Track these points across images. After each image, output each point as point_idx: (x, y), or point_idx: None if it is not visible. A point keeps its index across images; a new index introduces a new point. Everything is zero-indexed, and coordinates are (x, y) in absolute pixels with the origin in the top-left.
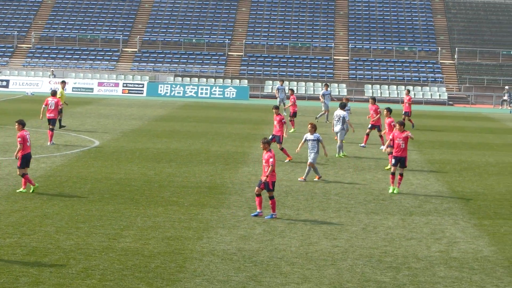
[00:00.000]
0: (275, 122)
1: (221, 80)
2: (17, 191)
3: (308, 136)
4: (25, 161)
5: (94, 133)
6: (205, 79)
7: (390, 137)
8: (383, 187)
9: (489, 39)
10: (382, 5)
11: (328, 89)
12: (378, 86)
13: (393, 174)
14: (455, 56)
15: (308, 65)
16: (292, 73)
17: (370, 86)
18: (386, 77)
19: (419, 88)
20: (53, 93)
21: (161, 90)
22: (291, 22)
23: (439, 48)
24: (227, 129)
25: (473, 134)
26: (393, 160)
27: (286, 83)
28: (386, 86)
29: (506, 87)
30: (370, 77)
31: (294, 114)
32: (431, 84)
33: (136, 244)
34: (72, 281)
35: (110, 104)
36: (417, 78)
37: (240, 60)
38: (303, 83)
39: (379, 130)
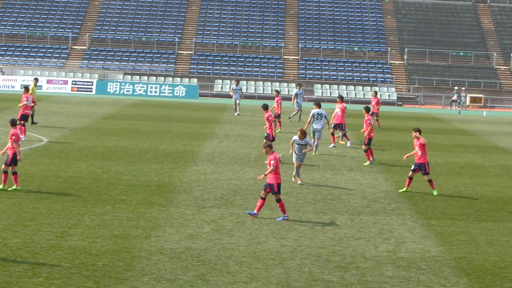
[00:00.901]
0: (266, 121)
1: (171, 78)
2: (9, 189)
3: (297, 140)
4: (15, 159)
5: (43, 131)
6: (154, 78)
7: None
8: (331, 186)
9: (438, 40)
10: (332, 5)
11: (301, 89)
12: (327, 86)
13: (410, 178)
14: (405, 57)
15: (258, 64)
16: (242, 72)
17: (319, 86)
18: (335, 77)
19: (369, 88)
20: (27, 89)
21: (110, 88)
22: (241, 21)
23: (389, 48)
24: (176, 127)
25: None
26: (412, 166)
27: (244, 82)
28: (336, 86)
29: (455, 87)
30: (319, 77)
31: (278, 115)
32: (380, 84)
33: (84, 243)
34: (19, 279)
35: (59, 102)
36: (367, 78)
37: (190, 58)
38: (253, 83)
39: (342, 129)
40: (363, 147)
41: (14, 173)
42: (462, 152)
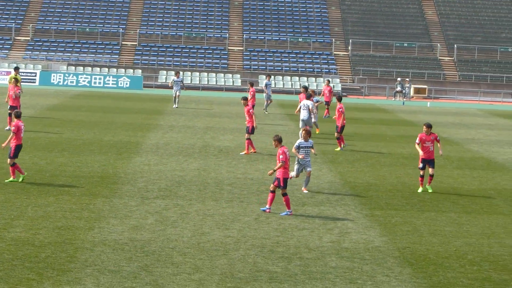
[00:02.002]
0: (246, 114)
1: (115, 69)
2: (6, 181)
3: (303, 143)
4: (18, 151)
5: None
6: (98, 69)
7: (417, 140)
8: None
9: (382, 31)
10: None
11: (270, 79)
12: (272, 77)
13: (422, 176)
14: (349, 48)
15: (203, 55)
16: (186, 63)
17: (264, 76)
18: (280, 68)
19: (313, 79)
20: (17, 81)
21: (54, 79)
22: (186, 12)
23: (333, 39)
24: (120, 118)
25: (366, 126)
26: (421, 164)
27: (188, 73)
28: (280, 77)
29: (399, 78)
30: (264, 67)
31: (252, 107)
32: (325, 75)
33: (27, 234)
34: None
35: (2, 93)
36: (311, 69)
37: (134, 49)
38: (197, 74)
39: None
40: (336, 134)
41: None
42: (406, 143)
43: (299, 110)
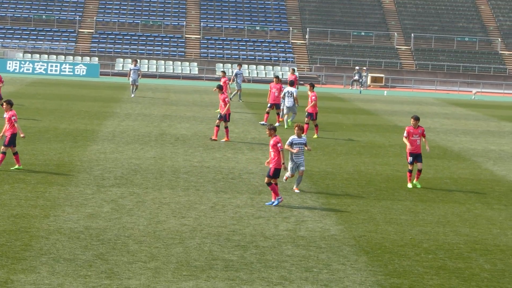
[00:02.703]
0: (220, 102)
1: (71, 57)
2: (11, 168)
3: (296, 139)
4: (13, 139)
5: None
6: (55, 56)
7: (405, 134)
8: (232, 166)
9: (340, 19)
10: None
11: (241, 68)
12: (229, 65)
13: (410, 171)
14: (306, 36)
15: (160, 43)
16: (143, 51)
17: (221, 65)
18: (237, 56)
19: (271, 67)
20: None
21: (9, 67)
22: (143, 0)
23: (291, 28)
24: (76, 106)
25: (323, 114)
26: (410, 158)
27: (145, 61)
28: (235, 66)
29: (356, 67)
30: (221, 56)
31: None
32: (282, 64)
33: None
34: None
35: None
36: (269, 58)
37: (91, 37)
38: (155, 61)
39: (278, 108)
40: (313, 122)
41: (15, 154)
42: (362, 132)
43: (270, 97)
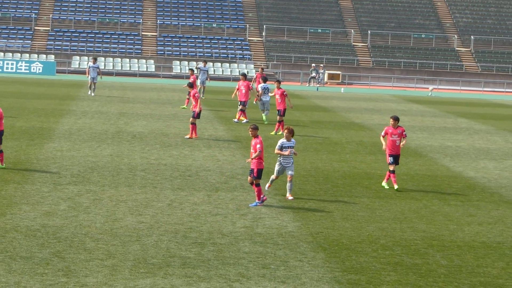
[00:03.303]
0: (191, 98)
1: (28, 55)
2: None
3: (286, 143)
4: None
5: None
6: (10, 54)
7: (382, 133)
8: (189, 163)
9: (296, 17)
10: None
11: (206, 65)
12: (186, 62)
13: (392, 172)
14: (263, 34)
15: (116, 40)
16: (100, 49)
17: (178, 62)
18: (194, 54)
19: (227, 64)
20: None
21: None
22: None
23: (247, 25)
24: (33, 104)
25: (253, 110)
26: (390, 159)
27: (102, 59)
28: (194, 63)
29: (313, 64)
30: (178, 53)
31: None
32: (239, 61)
33: None
34: None
35: None
36: (226, 55)
37: (47, 35)
38: (111, 59)
39: (244, 105)
40: (278, 118)
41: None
42: (319, 129)
43: (239, 95)
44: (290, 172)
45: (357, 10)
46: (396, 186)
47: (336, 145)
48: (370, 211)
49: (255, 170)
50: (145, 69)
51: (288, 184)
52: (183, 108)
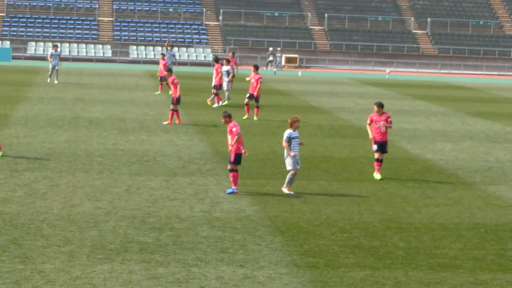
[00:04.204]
0: (170, 84)
1: None
2: None
3: (293, 133)
4: None
5: None
6: None
7: (368, 121)
8: (147, 148)
9: (253, 0)
10: None
11: (58, 49)
12: (143, 47)
13: (377, 160)
14: (220, 18)
15: (72, 26)
16: (56, 34)
17: (135, 47)
18: (151, 39)
19: (184, 49)
20: None
21: None
22: None
23: (204, 9)
24: None
25: (237, 95)
26: (375, 146)
27: (58, 44)
28: (151, 48)
29: (270, 48)
30: (135, 38)
31: (162, 78)
32: (196, 45)
33: None
34: None
35: None
36: (182, 40)
37: (2, 21)
38: (67, 45)
39: (217, 89)
40: (256, 103)
41: None
42: (277, 112)
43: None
44: (297, 166)
45: None
46: (378, 176)
47: None
48: (328, 194)
49: (232, 155)
50: (101, 55)
51: (290, 177)
52: (159, 93)
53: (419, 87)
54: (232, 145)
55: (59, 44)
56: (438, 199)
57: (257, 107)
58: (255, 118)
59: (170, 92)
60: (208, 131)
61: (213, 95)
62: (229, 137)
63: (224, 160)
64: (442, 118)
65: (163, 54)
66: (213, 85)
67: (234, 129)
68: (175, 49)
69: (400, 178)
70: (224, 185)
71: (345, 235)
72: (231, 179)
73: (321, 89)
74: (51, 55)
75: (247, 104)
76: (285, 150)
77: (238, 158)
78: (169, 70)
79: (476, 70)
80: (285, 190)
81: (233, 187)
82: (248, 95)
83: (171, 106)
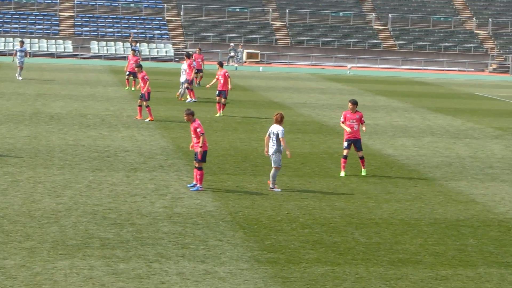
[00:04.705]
0: (140, 80)
1: None
2: None
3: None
4: None
5: None
6: None
7: (342, 119)
8: (107, 144)
9: None
10: None
11: (24, 46)
12: (104, 43)
13: (345, 157)
14: (181, 13)
15: (33, 21)
16: (16, 30)
17: (96, 42)
18: (112, 34)
19: (146, 45)
20: None
21: None
22: None
23: (165, 5)
24: None
25: (199, 90)
26: (345, 143)
27: (18, 40)
28: (112, 43)
29: (232, 44)
30: (96, 33)
31: (131, 74)
32: (157, 41)
33: None
34: None
35: None
36: (144, 35)
37: None
38: (28, 40)
39: (190, 83)
40: (223, 100)
41: None
42: (238, 108)
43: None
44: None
45: None
46: (342, 173)
47: (255, 124)
48: (289, 189)
49: (199, 153)
50: (62, 50)
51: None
52: (127, 90)
53: (380, 83)
54: (200, 147)
55: (25, 40)
56: (399, 194)
57: (224, 104)
58: (220, 113)
59: (134, 88)
60: (169, 127)
61: (183, 90)
62: (193, 136)
63: (185, 156)
64: (403, 114)
65: (133, 51)
66: (184, 79)
67: (198, 129)
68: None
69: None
70: (185, 181)
71: (306, 230)
72: (198, 177)
73: (282, 85)
74: (17, 51)
75: (218, 102)
76: (279, 146)
77: (204, 156)
78: (139, 66)
79: (437, 66)
80: (276, 189)
81: (198, 185)
82: (217, 92)
83: (145, 103)
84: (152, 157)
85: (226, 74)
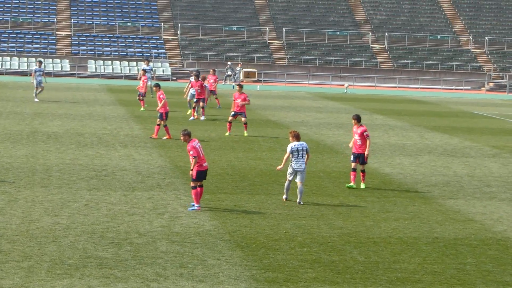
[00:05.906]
0: (157, 99)
1: None
2: None
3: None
4: None
5: None
6: None
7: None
8: (105, 163)
9: (211, 15)
10: None
11: (42, 66)
12: (101, 62)
13: (353, 170)
14: (178, 32)
15: (30, 40)
16: (14, 49)
17: (93, 62)
18: (109, 53)
19: (143, 63)
20: None
21: None
22: None
23: (162, 23)
24: None
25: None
26: (352, 157)
27: (16, 59)
28: (110, 62)
29: (229, 62)
30: (93, 52)
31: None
32: (154, 60)
33: None
34: None
35: None
36: (140, 54)
37: None
38: (25, 59)
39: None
40: (243, 119)
41: None
42: (236, 127)
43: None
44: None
45: (271, 7)
46: (352, 184)
47: (252, 143)
48: (287, 208)
49: (194, 173)
50: (59, 69)
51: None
52: (142, 110)
53: (377, 101)
54: (192, 170)
55: (42, 60)
56: (397, 213)
57: (245, 123)
58: (228, 134)
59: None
60: (166, 146)
61: (196, 108)
62: (191, 160)
63: (182, 175)
64: (400, 132)
65: (144, 70)
66: (196, 99)
67: (191, 152)
68: (151, 64)
69: (358, 192)
70: (183, 200)
71: (304, 249)
72: (193, 196)
73: (279, 103)
74: (35, 71)
75: (230, 122)
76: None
77: (200, 175)
78: (157, 85)
79: (433, 84)
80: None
81: (196, 204)
82: (232, 113)
83: (162, 122)
84: (150, 176)
85: (247, 98)
